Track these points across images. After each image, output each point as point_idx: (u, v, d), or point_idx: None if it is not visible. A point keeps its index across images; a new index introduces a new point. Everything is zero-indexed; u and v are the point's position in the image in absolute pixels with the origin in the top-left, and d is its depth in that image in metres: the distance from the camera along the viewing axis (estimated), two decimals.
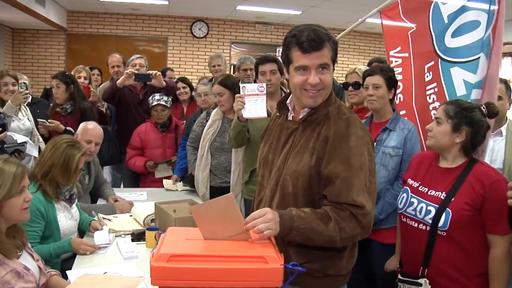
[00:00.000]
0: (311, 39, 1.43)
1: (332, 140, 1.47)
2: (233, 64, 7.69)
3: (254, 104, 2.53)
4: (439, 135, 1.87)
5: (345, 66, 8.75)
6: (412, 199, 1.91)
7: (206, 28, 8.78)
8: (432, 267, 1.83)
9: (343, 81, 3.16)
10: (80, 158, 2.31)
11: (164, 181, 3.62)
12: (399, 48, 2.77)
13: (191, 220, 1.47)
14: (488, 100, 2.14)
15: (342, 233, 1.41)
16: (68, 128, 3.45)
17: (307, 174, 1.48)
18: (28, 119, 3.40)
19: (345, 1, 6.59)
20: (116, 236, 2.42)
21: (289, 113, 1.64)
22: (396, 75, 2.49)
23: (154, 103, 3.68)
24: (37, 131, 3.44)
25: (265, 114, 2.54)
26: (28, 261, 1.75)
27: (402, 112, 2.68)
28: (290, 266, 1.27)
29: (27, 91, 3.53)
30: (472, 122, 1.83)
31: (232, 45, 9.08)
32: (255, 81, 3.18)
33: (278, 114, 1.72)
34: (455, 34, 2.49)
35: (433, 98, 2.57)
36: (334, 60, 1.51)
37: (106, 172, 4.35)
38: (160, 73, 3.94)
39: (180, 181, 3.58)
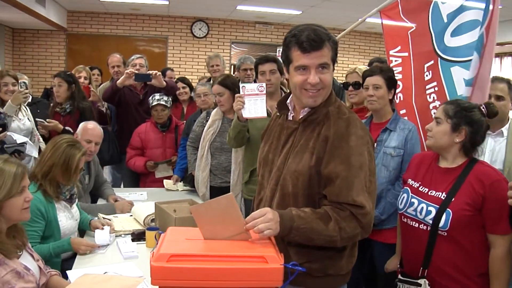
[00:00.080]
0: (311, 39, 1.43)
1: (332, 140, 1.47)
2: (233, 64, 7.70)
3: (254, 104, 2.52)
4: (439, 135, 1.87)
5: (345, 66, 8.75)
6: (413, 200, 1.91)
7: (206, 28, 8.78)
8: (432, 267, 1.83)
9: (343, 81, 3.16)
10: (80, 158, 2.31)
11: (165, 181, 3.62)
12: (399, 48, 2.78)
13: (191, 220, 1.47)
14: (479, 98, 2.14)
15: (342, 233, 1.41)
16: (67, 128, 3.45)
17: (307, 174, 1.48)
18: (28, 119, 3.40)
19: (345, 1, 6.60)
20: (116, 236, 2.42)
21: (289, 113, 1.64)
22: (396, 75, 2.49)
23: (154, 103, 3.68)
24: (37, 131, 3.44)
25: (265, 114, 2.54)
26: (28, 261, 1.75)
27: (402, 111, 2.68)
28: (290, 266, 1.27)
29: (27, 91, 3.53)
30: (472, 121, 1.83)
31: (232, 45, 9.08)
32: (255, 81, 3.18)
33: (278, 114, 1.71)
34: (454, 33, 2.49)
35: (434, 97, 2.57)
36: (334, 60, 1.51)
37: (106, 172, 4.35)
38: (160, 73, 3.94)
39: (180, 181, 3.58)
